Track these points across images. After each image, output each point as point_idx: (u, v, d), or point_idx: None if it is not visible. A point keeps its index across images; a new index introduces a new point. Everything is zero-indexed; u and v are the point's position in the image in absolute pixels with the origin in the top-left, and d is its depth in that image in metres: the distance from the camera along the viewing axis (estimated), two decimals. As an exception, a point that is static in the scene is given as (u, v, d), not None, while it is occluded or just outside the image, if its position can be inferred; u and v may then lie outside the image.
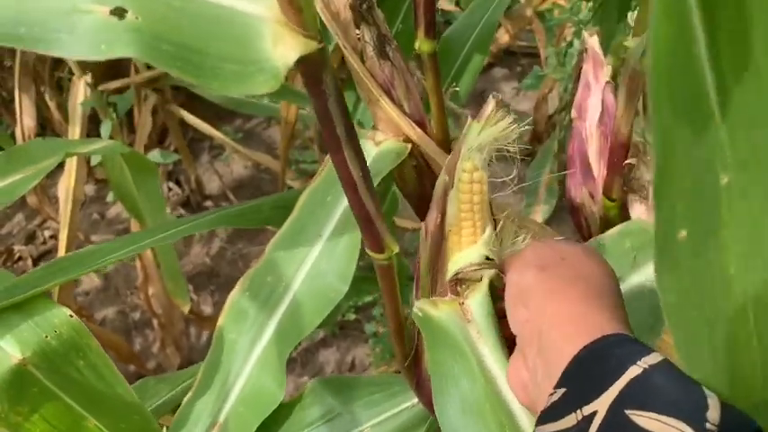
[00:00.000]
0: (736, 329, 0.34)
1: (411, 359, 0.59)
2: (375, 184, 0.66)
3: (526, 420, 0.47)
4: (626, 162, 0.70)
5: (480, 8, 0.94)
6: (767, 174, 0.31)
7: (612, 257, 0.65)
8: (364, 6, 0.62)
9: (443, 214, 0.50)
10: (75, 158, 1.38)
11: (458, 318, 0.50)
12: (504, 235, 0.53)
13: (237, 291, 0.68)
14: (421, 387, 0.59)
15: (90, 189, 2.09)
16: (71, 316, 0.55)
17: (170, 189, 2.04)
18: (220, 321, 0.68)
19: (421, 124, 0.68)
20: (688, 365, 0.35)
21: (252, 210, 0.75)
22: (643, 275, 0.66)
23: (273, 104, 1.65)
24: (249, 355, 0.66)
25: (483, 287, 0.50)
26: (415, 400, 0.67)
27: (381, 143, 0.69)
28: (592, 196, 0.78)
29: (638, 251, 0.66)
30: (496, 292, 0.50)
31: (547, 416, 0.39)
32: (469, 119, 0.48)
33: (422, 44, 0.65)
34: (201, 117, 1.78)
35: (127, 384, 0.58)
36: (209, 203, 2.04)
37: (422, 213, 0.62)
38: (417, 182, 0.72)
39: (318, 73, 0.40)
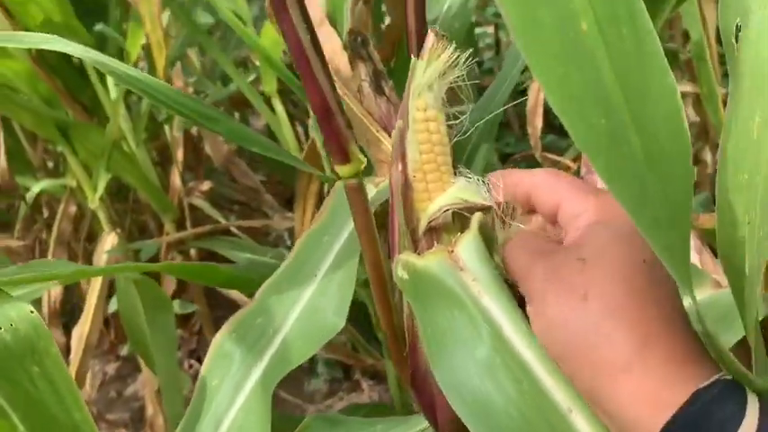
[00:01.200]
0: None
1: (407, 345, 0.50)
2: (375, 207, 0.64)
3: (542, 371, 0.40)
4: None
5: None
6: None
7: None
8: (359, 40, 0.65)
9: (404, 162, 0.47)
10: (92, 306, 1.38)
11: (449, 266, 0.44)
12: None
13: (223, 333, 0.62)
14: (418, 382, 0.50)
15: (111, 368, 2.04)
16: (32, 312, 0.50)
17: (191, 366, 1.98)
18: (203, 369, 0.61)
19: (420, 161, 0.67)
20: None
21: (210, 270, 0.73)
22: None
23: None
24: (233, 401, 0.59)
25: (472, 231, 0.45)
26: (425, 423, 0.57)
27: (380, 183, 0.68)
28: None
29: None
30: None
31: None
32: (413, 58, 0.46)
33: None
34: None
35: (86, 411, 0.51)
36: (230, 380, 1.96)
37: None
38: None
39: None
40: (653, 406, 0.35)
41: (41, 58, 1.41)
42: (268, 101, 1.53)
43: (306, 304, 0.62)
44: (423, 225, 0.47)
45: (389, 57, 0.84)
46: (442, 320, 0.42)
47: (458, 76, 0.45)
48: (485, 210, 0.46)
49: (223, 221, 1.72)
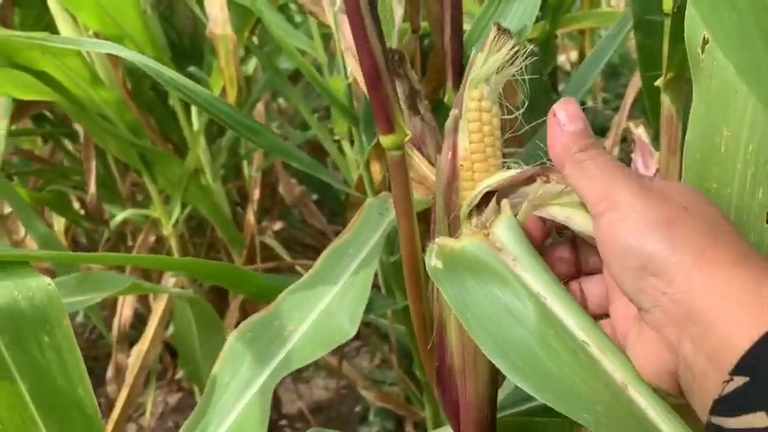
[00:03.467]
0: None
1: (433, 337, 0.50)
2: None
3: (594, 346, 0.40)
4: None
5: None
6: None
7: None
8: (396, 58, 0.66)
9: (455, 149, 0.48)
10: (153, 326, 1.42)
11: (487, 247, 0.44)
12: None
13: (237, 334, 0.63)
14: (444, 379, 0.49)
15: (173, 399, 2.08)
16: (49, 284, 0.52)
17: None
18: (215, 366, 0.62)
19: (452, 180, 0.66)
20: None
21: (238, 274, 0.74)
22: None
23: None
24: (239, 400, 0.59)
25: (506, 213, 0.45)
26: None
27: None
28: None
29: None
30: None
31: (729, 406, 0.34)
32: (474, 51, 0.48)
33: (450, 96, 0.67)
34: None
35: (90, 388, 0.52)
36: (283, 423, 1.95)
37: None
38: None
39: None
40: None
41: (137, 92, 1.52)
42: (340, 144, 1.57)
43: (323, 310, 0.62)
44: (464, 211, 0.48)
45: (437, 87, 0.84)
46: (484, 300, 0.42)
47: (516, 71, 0.46)
48: (529, 182, 0.46)
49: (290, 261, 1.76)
